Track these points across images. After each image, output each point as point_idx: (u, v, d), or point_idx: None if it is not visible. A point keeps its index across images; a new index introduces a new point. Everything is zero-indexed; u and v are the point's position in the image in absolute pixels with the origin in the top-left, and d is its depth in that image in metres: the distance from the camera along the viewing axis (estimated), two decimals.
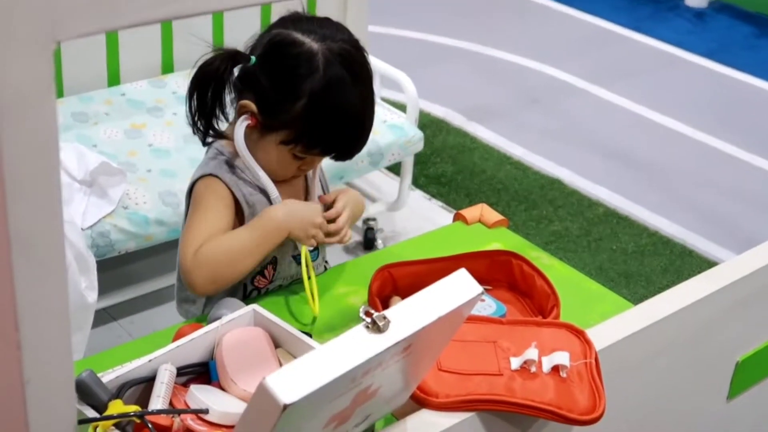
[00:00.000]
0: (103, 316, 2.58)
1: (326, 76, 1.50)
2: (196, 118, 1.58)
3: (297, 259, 1.64)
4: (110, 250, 2.36)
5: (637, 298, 2.88)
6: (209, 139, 1.61)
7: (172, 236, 2.46)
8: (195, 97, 1.56)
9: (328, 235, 1.59)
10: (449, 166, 3.57)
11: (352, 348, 0.98)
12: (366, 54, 1.58)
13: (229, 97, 1.57)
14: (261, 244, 1.54)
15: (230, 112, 1.60)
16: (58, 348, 0.81)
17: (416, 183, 3.40)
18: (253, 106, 1.54)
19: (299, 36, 1.53)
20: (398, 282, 1.62)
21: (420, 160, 3.45)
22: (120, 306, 2.60)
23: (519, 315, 1.61)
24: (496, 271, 1.67)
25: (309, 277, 1.58)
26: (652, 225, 3.33)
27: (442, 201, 3.36)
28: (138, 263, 2.69)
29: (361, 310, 1.02)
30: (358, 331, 1.00)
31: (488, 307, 1.57)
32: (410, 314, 1.04)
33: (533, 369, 1.37)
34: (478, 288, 1.09)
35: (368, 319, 1.00)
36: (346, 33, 1.56)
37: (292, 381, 0.93)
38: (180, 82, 2.98)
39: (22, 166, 0.74)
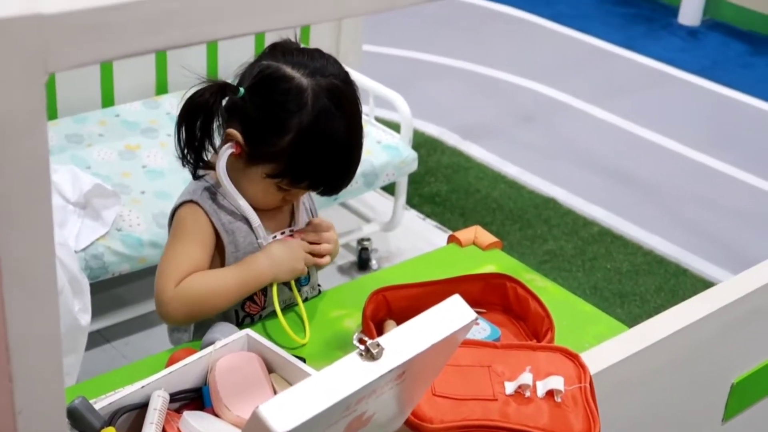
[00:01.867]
0: (96, 339, 2.57)
1: (315, 112, 1.50)
2: (185, 151, 1.58)
3: (288, 284, 1.64)
4: (104, 272, 2.35)
5: (631, 318, 2.88)
6: (200, 172, 1.60)
7: None
8: (183, 128, 1.56)
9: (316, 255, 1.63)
10: (444, 185, 3.57)
11: (346, 376, 0.98)
12: (356, 88, 1.58)
13: (216, 126, 1.57)
14: (242, 291, 1.57)
15: (218, 142, 1.60)
16: (49, 378, 0.81)
17: (411, 203, 3.40)
18: (239, 136, 1.54)
19: (289, 70, 1.52)
20: (392, 305, 1.62)
21: (414, 179, 3.45)
22: (114, 328, 2.59)
23: (513, 338, 1.61)
24: (490, 294, 1.67)
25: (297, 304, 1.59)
26: (646, 244, 3.33)
27: (437, 220, 3.36)
28: (131, 285, 2.69)
29: (354, 337, 1.01)
30: (352, 358, 0.99)
31: (482, 330, 1.57)
32: (404, 341, 1.03)
33: (528, 393, 1.37)
34: (472, 314, 1.09)
35: (362, 347, 1.00)
36: (337, 67, 1.56)
37: (286, 409, 0.92)
38: (174, 103, 2.98)
39: (12, 197, 0.74)
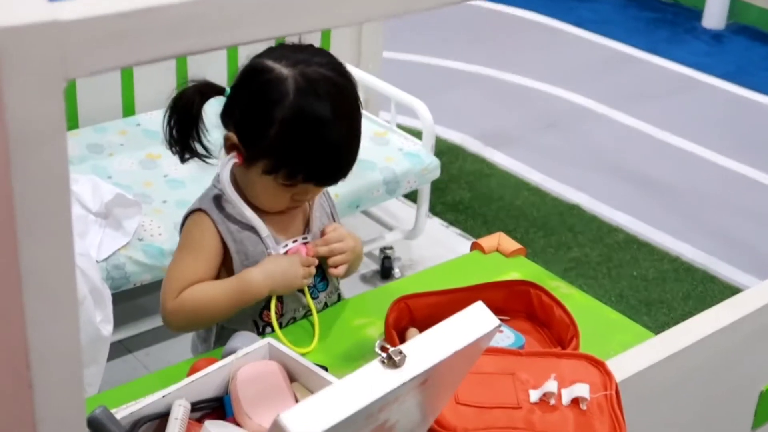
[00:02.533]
0: (118, 349, 2.58)
1: (297, 100, 1.49)
2: (172, 140, 1.59)
3: (302, 290, 1.64)
4: (125, 282, 2.36)
5: (658, 326, 2.86)
6: (187, 155, 1.61)
7: None
8: (172, 125, 1.58)
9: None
10: (466, 192, 3.56)
11: (368, 384, 0.97)
12: (349, 76, 1.56)
13: (205, 130, 1.58)
14: (237, 303, 1.59)
15: (208, 143, 1.61)
16: (70, 387, 0.81)
17: (433, 210, 3.39)
18: (235, 138, 1.55)
19: (270, 63, 1.52)
20: (415, 313, 1.61)
21: (437, 186, 3.45)
22: (135, 338, 2.60)
23: (538, 346, 1.61)
24: (514, 301, 1.67)
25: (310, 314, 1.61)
26: (673, 250, 3.31)
27: (460, 228, 3.36)
28: (153, 295, 2.68)
29: (376, 344, 1.01)
30: (374, 366, 0.99)
31: (506, 338, 1.56)
32: (426, 348, 1.03)
33: (552, 401, 1.36)
34: (495, 321, 1.09)
35: (384, 354, 1.00)
36: (326, 57, 1.55)
37: (307, 418, 0.92)
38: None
39: (33, 205, 0.74)
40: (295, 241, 1.63)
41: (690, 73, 4.70)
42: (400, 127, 3.10)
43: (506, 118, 4.19)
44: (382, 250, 3.04)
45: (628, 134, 4.12)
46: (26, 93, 0.71)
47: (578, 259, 3.24)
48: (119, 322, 2.34)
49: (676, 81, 4.63)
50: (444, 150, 3.76)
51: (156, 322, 2.62)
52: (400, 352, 1.00)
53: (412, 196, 3.23)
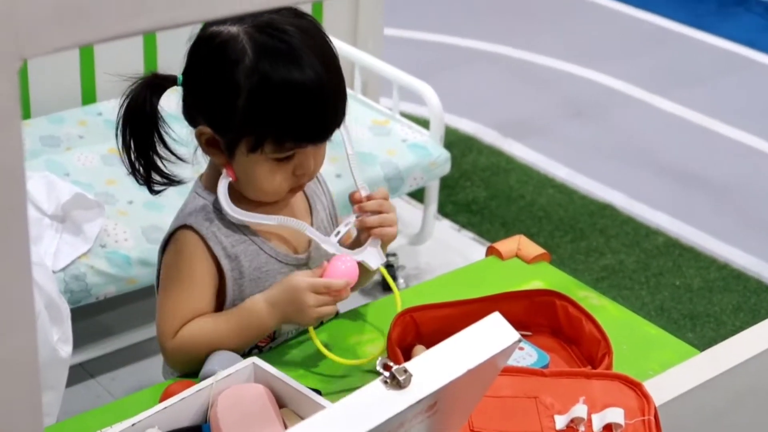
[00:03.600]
0: (78, 373, 2.59)
1: (256, 55, 1.50)
2: (134, 160, 1.61)
3: None
4: (86, 295, 2.38)
5: (705, 343, 2.87)
6: (158, 187, 1.64)
7: None
8: (128, 137, 1.60)
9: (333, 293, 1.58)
10: (481, 190, 3.58)
11: (369, 406, 0.99)
12: (309, 16, 1.58)
13: (168, 130, 1.61)
14: (244, 341, 1.61)
15: (181, 147, 1.63)
16: (27, 414, 0.82)
17: (443, 211, 3.41)
18: (207, 130, 1.56)
19: (214, 28, 1.55)
20: (422, 328, 1.63)
21: (447, 184, 3.47)
22: (98, 361, 2.61)
23: (564, 365, 1.62)
24: (536, 314, 1.68)
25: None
26: (721, 256, 3.33)
27: (474, 232, 3.37)
28: (119, 311, 2.71)
29: (378, 362, 1.02)
30: (376, 386, 1.00)
31: (528, 356, 1.57)
32: (435, 366, 1.04)
33: (582, 428, 1.38)
34: (515, 335, 1.10)
35: (386, 373, 1.01)
36: (281, 9, 1.57)
37: None
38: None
39: None
40: (347, 225, 1.64)
41: (741, 51, 4.71)
42: (403, 114, 3.12)
43: (527, 105, 4.21)
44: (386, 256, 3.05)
45: (668, 122, 4.13)
46: None
47: (612, 266, 3.25)
48: (79, 342, 2.36)
49: (726, 60, 4.65)
50: (455, 141, 3.78)
51: (122, 342, 2.64)
52: (405, 371, 1.01)
53: (418, 195, 3.24)
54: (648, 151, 3.93)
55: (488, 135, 3.93)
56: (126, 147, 1.61)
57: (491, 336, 1.09)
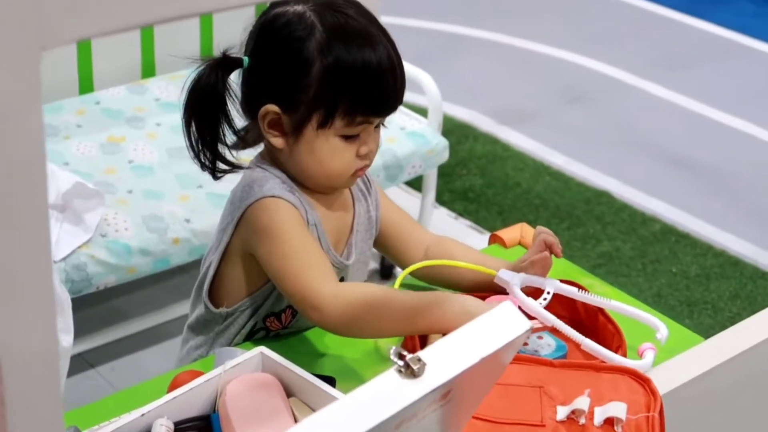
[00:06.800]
0: (79, 363, 2.59)
1: (325, 28, 1.55)
2: (199, 150, 1.61)
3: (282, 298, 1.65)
4: (87, 285, 2.37)
5: (702, 329, 2.88)
6: (220, 174, 1.64)
7: (159, 268, 2.47)
8: (193, 126, 1.60)
9: None
10: (478, 178, 3.58)
11: (384, 396, 0.99)
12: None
13: (234, 111, 1.61)
14: (411, 317, 1.47)
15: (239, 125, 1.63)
16: (48, 403, 0.83)
17: (440, 199, 3.41)
18: (273, 108, 1.57)
19: (279, 9, 1.58)
20: None
21: (443, 172, 3.47)
22: (99, 350, 2.61)
23: (582, 357, 1.59)
24: (556, 305, 1.66)
25: None
26: (718, 243, 3.33)
27: (471, 220, 3.38)
28: (119, 300, 2.71)
29: (391, 351, 1.02)
30: (390, 375, 1.00)
31: (547, 345, 1.57)
32: (449, 355, 1.04)
33: (582, 420, 1.38)
34: (526, 323, 1.10)
35: (401, 362, 1.01)
36: None
37: None
38: (163, 87, 3.00)
39: (5, 191, 0.76)
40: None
41: (735, 37, 4.71)
42: None
43: (523, 92, 4.21)
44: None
45: (663, 109, 4.13)
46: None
47: (608, 253, 3.26)
48: (80, 331, 2.35)
49: (721, 46, 4.65)
50: (451, 129, 3.77)
51: (123, 331, 2.64)
52: (419, 360, 1.01)
53: (415, 184, 3.24)
54: (644, 137, 3.94)
55: (484, 123, 3.93)
56: (190, 134, 1.60)
57: (503, 324, 1.10)
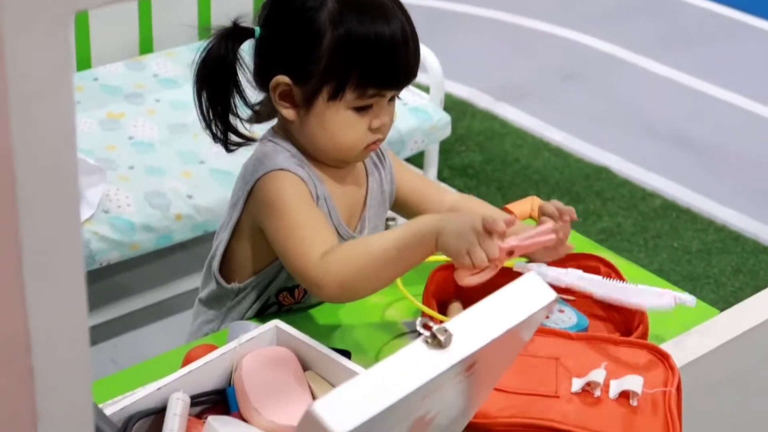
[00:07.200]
0: None
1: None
2: (210, 120, 1.59)
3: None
4: (90, 261, 2.36)
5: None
6: (233, 147, 1.63)
7: (162, 244, 2.46)
8: (204, 97, 1.58)
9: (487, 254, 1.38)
10: (477, 155, 3.57)
11: (411, 367, 0.98)
12: None
13: (245, 82, 1.60)
14: (404, 250, 1.44)
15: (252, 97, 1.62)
16: (77, 372, 0.81)
17: (440, 176, 3.40)
18: (285, 79, 1.55)
19: None
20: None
21: (443, 148, 3.45)
22: (101, 327, 2.60)
23: (604, 331, 1.59)
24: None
25: None
26: (719, 218, 3.33)
27: (471, 195, 3.36)
28: (122, 276, 2.70)
29: (418, 322, 1.02)
30: (417, 346, 1.00)
31: (568, 319, 1.56)
32: (475, 326, 1.04)
33: (597, 393, 1.37)
34: (552, 294, 1.09)
35: (427, 333, 1.00)
36: None
37: (345, 407, 0.93)
38: (162, 62, 2.98)
39: (37, 164, 0.74)
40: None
41: (734, 14, 4.70)
42: None
43: (520, 69, 4.19)
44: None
45: (663, 85, 4.12)
46: (29, 30, 0.70)
47: (609, 229, 3.25)
48: None
49: (721, 24, 4.63)
50: (449, 106, 3.74)
51: (126, 307, 2.63)
52: (446, 330, 1.01)
53: (416, 161, 3.23)
54: (642, 114, 3.93)
55: (482, 99, 3.92)
56: (201, 103, 1.59)
57: (528, 295, 1.09)
